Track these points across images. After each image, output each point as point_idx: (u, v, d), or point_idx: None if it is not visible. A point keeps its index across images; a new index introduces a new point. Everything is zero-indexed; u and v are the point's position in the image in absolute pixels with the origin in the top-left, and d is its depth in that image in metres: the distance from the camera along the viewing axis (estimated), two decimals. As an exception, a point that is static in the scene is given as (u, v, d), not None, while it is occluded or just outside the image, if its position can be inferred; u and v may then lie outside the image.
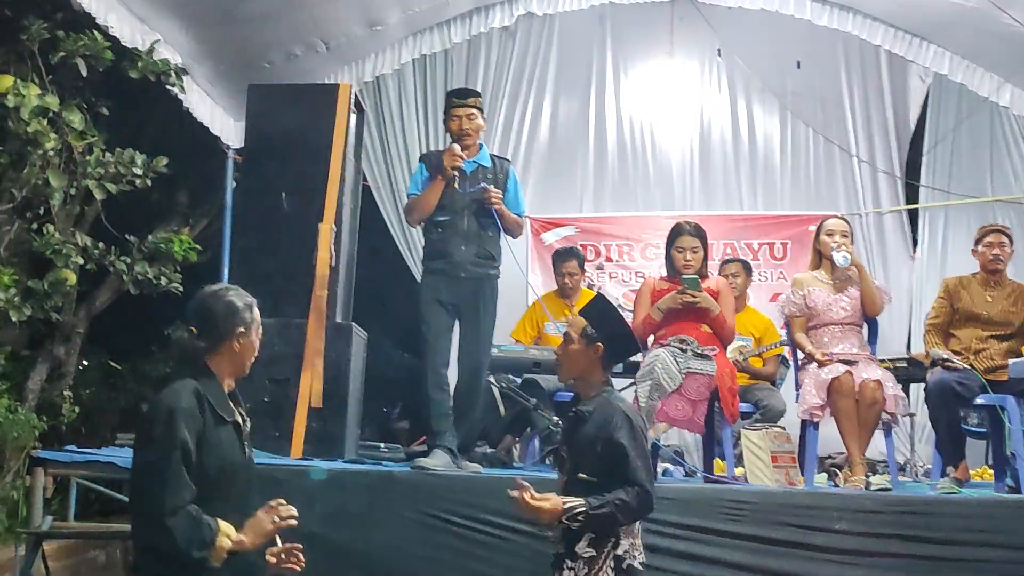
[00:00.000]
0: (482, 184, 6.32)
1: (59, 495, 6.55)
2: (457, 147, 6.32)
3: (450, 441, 6.16)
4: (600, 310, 4.26)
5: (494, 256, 6.43)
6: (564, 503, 3.87)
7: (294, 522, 3.61)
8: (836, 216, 6.76)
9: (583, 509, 3.83)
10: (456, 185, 6.27)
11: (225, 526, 3.48)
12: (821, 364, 6.30)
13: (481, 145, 6.53)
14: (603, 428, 3.96)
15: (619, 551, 3.91)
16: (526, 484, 3.94)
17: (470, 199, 6.30)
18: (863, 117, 10.29)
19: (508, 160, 6.81)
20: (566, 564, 3.92)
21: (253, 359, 3.78)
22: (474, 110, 6.44)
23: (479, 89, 10.03)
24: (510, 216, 6.41)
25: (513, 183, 6.54)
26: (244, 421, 3.75)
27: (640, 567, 3.96)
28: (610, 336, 4.13)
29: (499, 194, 6.31)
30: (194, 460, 3.46)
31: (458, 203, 6.30)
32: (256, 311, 3.77)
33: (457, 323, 6.37)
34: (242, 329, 3.68)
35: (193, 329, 3.65)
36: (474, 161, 6.40)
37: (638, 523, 4.01)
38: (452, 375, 6.38)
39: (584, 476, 3.98)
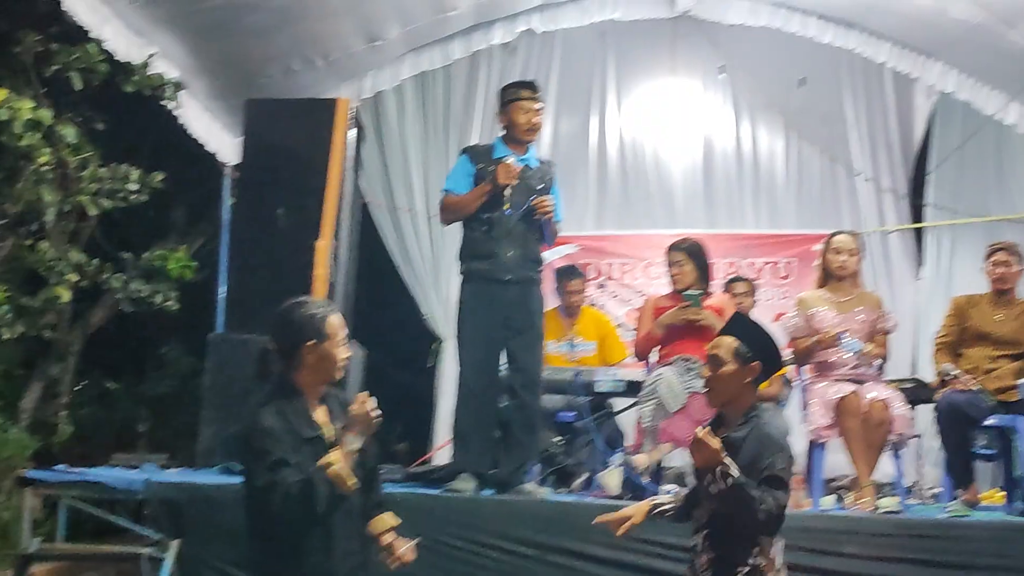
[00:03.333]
0: (533, 196, 6.02)
1: (51, 516, 6.43)
2: (513, 159, 6.04)
3: (478, 460, 5.98)
4: (745, 326, 4.02)
5: (539, 259, 6.20)
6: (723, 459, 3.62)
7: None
8: (844, 233, 6.61)
9: (733, 476, 3.58)
10: (509, 200, 5.99)
11: (330, 457, 3.57)
12: (825, 345, 6.19)
13: (530, 147, 6.26)
14: (759, 459, 3.69)
15: None
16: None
17: (517, 197, 6.00)
18: (867, 135, 10.19)
19: (553, 163, 6.57)
20: None
21: (342, 366, 3.83)
22: (543, 104, 6.21)
23: (478, 107, 10.00)
24: (554, 224, 6.17)
25: (556, 189, 6.30)
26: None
27: None
28: (764, 353, 3.89)
29: (552, 203, 6.05)
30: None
31: (505, 201, 6.01)
32: (333, 319, 3.82)
33: (506, 334, 6.06)
34: (314, 341, 3.74)
35: (273, 345, 3.78)
36: (524, 159, 6.14)
37: (782, 553, 3.79)
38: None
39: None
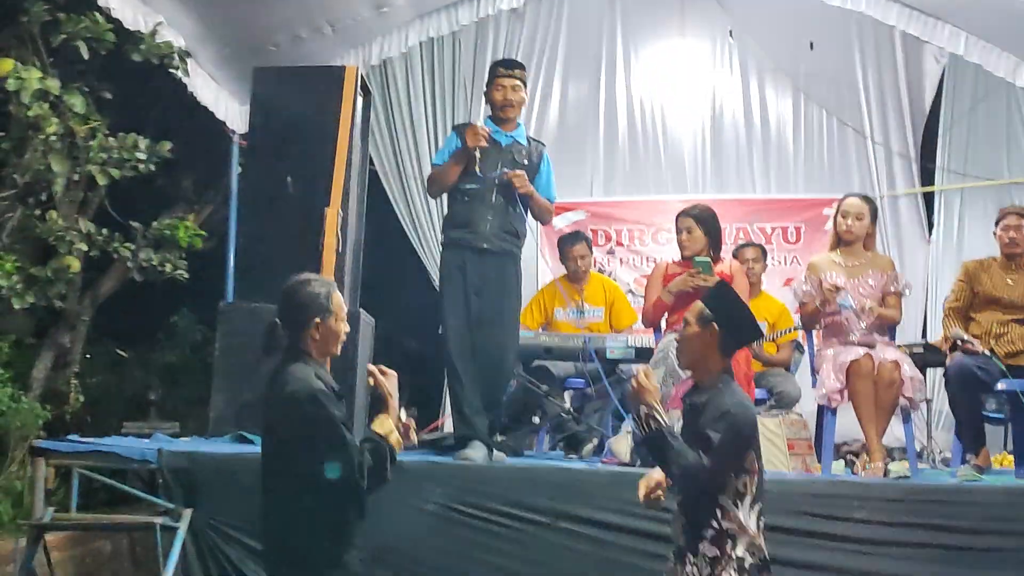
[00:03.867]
0: (504, 169, 6.18)
1: (63, 485, 6.46)
2: (482, 125, 6.23)
3: (482, 428, 6.07)
4: (719, 293, 4.17)
5: (519, 233, 6.32)
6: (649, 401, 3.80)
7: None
8: (855, 196, 6.58)
9: (658, 422, 3.74)
10: (479, 163, 6.13)
11: (384, 425, 3.81)
12: (829, 304, 6.19)
13: (519, 123, 6.42)
14: (715, 423, 3.77)
15: (738, 552, 3.77)
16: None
17: (500, 170, 6.17)
18: (877, 99, 10.13)
19: (543, 143, 6.68)
20: (688, 559, 3.81)
21: (341, 342, 4.03)
22: (519, 82, 6.33)
23: (486, 74, 9.96)
24: (540, 200, 6.33)
25: (547, 166, 6.45)
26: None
27: (762, 563, 3.81)
28: (727, 318, 3.97)
29: (523, 177, 6.17)
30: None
31: (488, 172, 6.16)
32: (336, 296, 4.00)
33: (479, 302, 6.20)
34: (319, 319, 3.91)
35: (278, 321, 3.92)
36: (511, 136, 6.30)
37: (755, 519, 3.83)
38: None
39: None
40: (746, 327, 4.12)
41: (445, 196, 6.47)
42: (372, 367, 3.95)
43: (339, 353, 4.07)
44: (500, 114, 6.32)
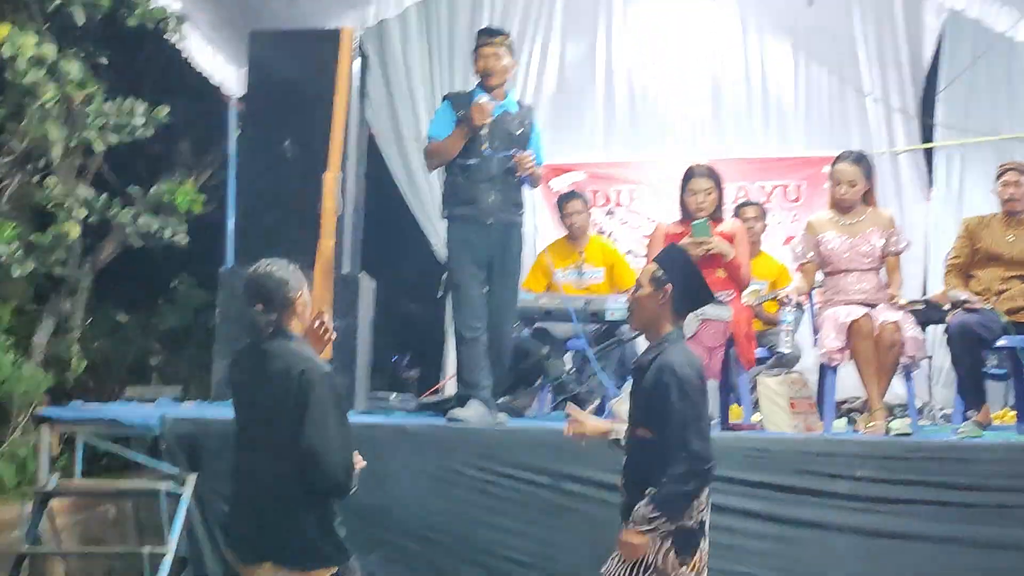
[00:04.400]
0: (514, 146, 6.21)
1: (67, 451, 6.48)
2: (486, 99, 6.19)
3: (485, 392, 6.10)
4: (671, 255, 4.17)
5: (520, 203, 6.38)
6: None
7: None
8: (845, 161, 6.44)
9: (656, 517, 3.75)
10: (483, 133, 6.16)
11: None
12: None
13: (507, 92, 6.42)
14: (655, 382, 3.84)
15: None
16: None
17: (498, 144, 6.20)
18: (876, 55, 10.06)
19: (531, 108, 6.72)
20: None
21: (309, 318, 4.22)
22: (501, 48, 6.31)
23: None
24: (536, 174, 6.35)
25: (535, 133, 6.46)
26: None
27: (700, 526, 3.86)
28: (680, 279, 3.99)
29: (532, 160, 6.22)
30: None
31: (483, 141, 6.18)
32: (298, 271, 4.21)
33: (487, 273, 6.28)
34: (298, 292, 4.11)
35: (260, 306, 4.07)
36: (501, 106, 6.29)
37: None
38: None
39: (640, 431, 3.93)
40: (699, 289, 4.13)
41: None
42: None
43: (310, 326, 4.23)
44: (485, 83, 6.32)
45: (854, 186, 6.35)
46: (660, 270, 4.01)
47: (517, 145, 6.25)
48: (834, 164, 6.47)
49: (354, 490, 3.94)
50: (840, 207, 6.40)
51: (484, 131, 6.16)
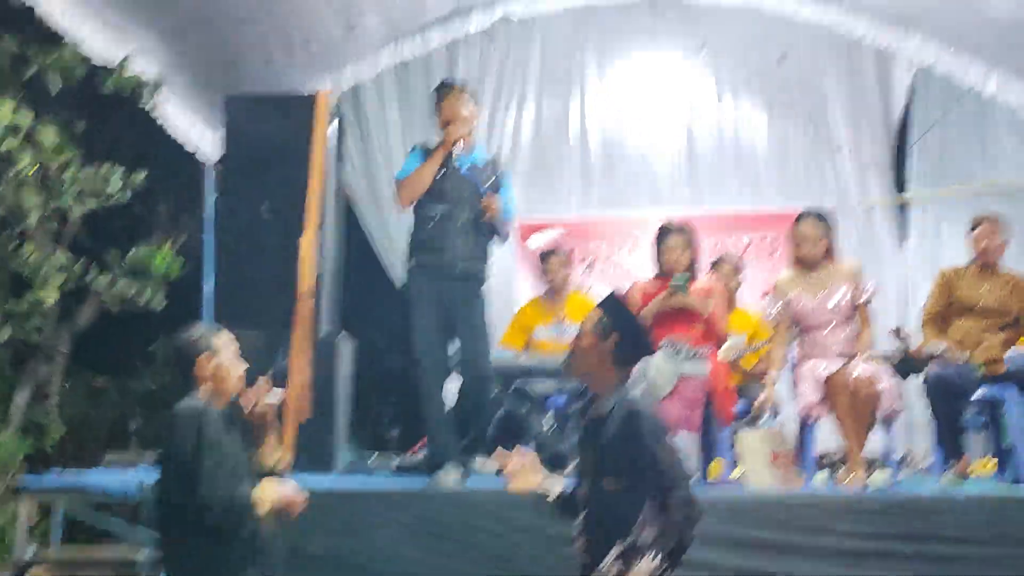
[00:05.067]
0: (481, 191, 6.18)
1: (45, 520, 6.43)
2: (461, 124, 6.20)
3: (456, 453, 6.05)
4: (615, 304, 4.07)
5: (486, 255, 6.29)
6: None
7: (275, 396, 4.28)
8: (808, 217, 6.48)
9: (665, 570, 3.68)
10: (450, 185, 6.14)
11: (262, 492, 4.00)
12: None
13: (478, 145, 6.42)
14: (623, 428, 3.76)
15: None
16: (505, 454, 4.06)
17: (466, 192, 6.14)
18: (848, 110, 10.17)
19: (500, 161, 6.71)
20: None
21: (235, 380, 4.20)
22: (463, 94, 6.31)
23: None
24: (504, 223, 6.29)
25: (506, 187, 6.41)
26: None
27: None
28: (624, 329, 3.93)
29: (499, 202, 6.17)
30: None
31: (455, 195, 6.14)
32: (222, 337, 4.19)
33: (452, 326, 6.18)
34: (206, 353, 4.11)
35: (174, 370, 4.16)
36: (470, 158, 6.27)
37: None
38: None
39: (608, 483, 3.80)
40: (642, 341, 4.07)
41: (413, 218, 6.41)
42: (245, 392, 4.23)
43: (238, 395, 4.23)
44: (449, 132, 6.24)
45: (820, 242, 6.39)
46: (605, 318, 3.95)
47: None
48: (796, 224, 6.48)
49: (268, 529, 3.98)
50: (805, 265, 6.44)
51: (452, 182, 6.14)
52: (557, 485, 4.07)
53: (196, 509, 3.83)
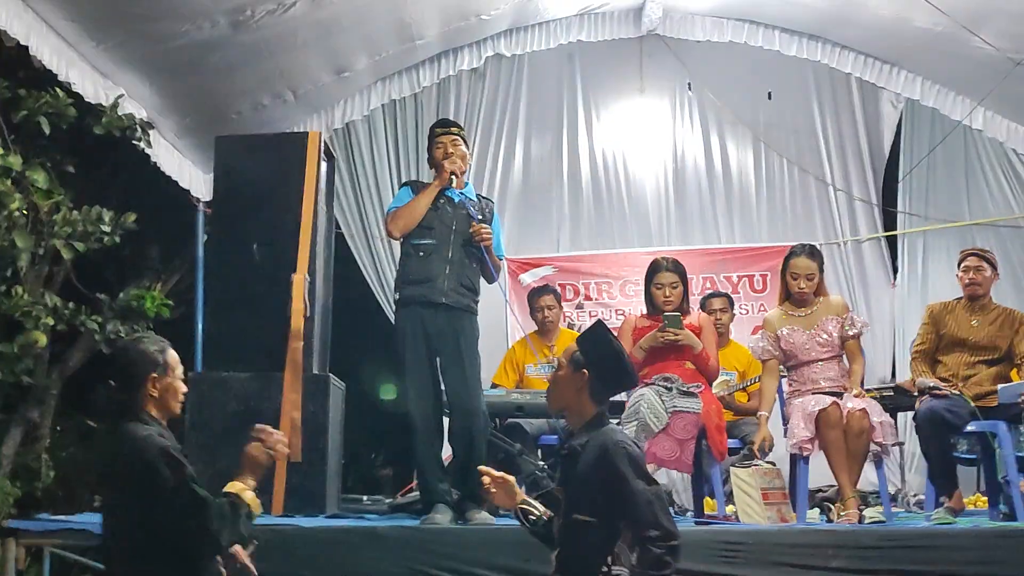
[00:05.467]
0: (474, 218, 6.17)
1: (35, 564, 6.38)
2: (457, 159, 6.22)
3: (448, 494, 6.01)
4: (594, 336, 4.05)
5: (476, 289, 6.26)
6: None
7: (286, 449, 4.05)
8: (801, 255, 6.51)
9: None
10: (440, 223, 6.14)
11: (235, 486, 3.84)
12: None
13: (467, 182, 6.42)
14: (599, 461, 3.75)
15: None
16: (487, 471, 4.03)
17: (456, 226, 6.13)
18: (837, 145, 10.26)
19: (491, 200, 6.71)
20: None
21: (180, 400, 4.04)
22: (457, 137, 6.33)
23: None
24: (494, 258, 6.28)
25: (496, 223, 6.41)
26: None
27: None
28: (599, 363, 3.91)
29: (490, 232, 6.16)
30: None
31: (444, 228, 6.13)
32: (170, 353, 3.99)
33: (439, 360, 6.14)
34: (155, 374, 3.91)
35: (112, 382, 3.91)
36: (462, 193, 6.27)
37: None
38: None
39: (581, 517, 3.78)
40: (619, 373, 4.03)
41: (399, 252, 6.43)
42: (262, 427, 4.02)
43: (179, 412, 4.10)
44: (442, 171, 6.25)
45: (812, 279, 6.42)
46: (579, 353, 3.95)
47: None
48: (789, 259, 6.52)
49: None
50: (796, 300, 6.46)
51: (443, 216, 6.15)
52: (538, 507, 4.06)
53: (195, 533, 3.73)
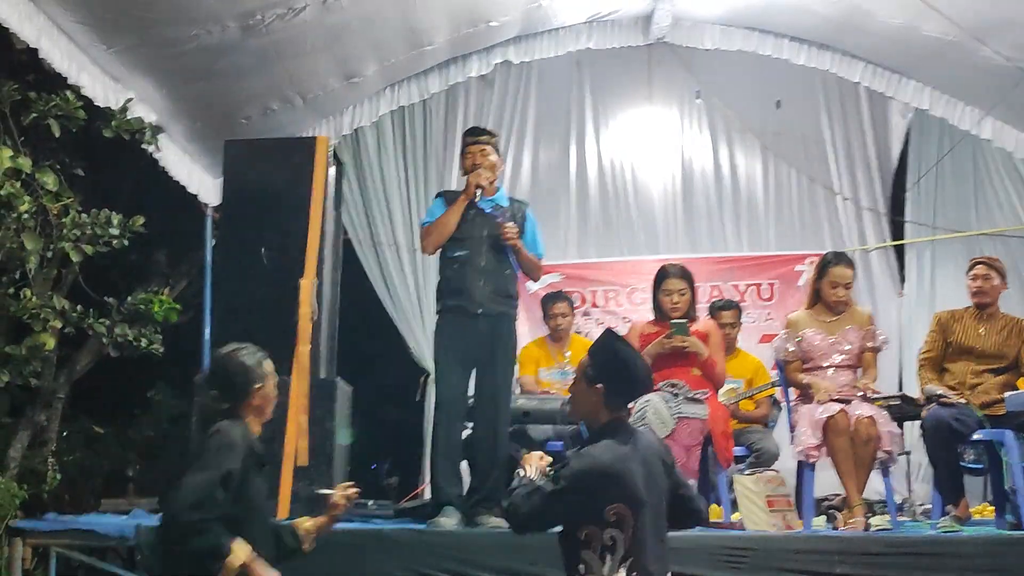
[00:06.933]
0: (499, 218, 6.22)
1: (41, 564, 6.39)
2: (484, 171, 6.26)
3: (459, 499, 6.06)
4: (604, 348, 4.08)
5: (512, 295, 6.35)
6: None
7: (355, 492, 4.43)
8: (842, 262, 6.55)
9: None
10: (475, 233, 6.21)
11: (239, 546, 3.81)
12: (818, 402, 6.20)
13: (499, 187, 6.49)
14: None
15: None
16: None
17: (487, 234, 6.20)
18: (845, 154, 10.26)
19: (525, 202, 6.75)
20: None
21: (274, 404, 4.24)
22: (487, 146, 6.37)
23: (457, 140, 10.01)
24: (527, 255, 6.34)
25: (531, 224, 6.48)
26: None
27: None
28: (611, 375, 3.96)
29: (515, 229, 6.22)
30: (232, 492, 3.85)
31: (476, 237, 6.21)
32: (268, 362, 4.19)
33: (475, 370, 6.26)
34: (259, 385, 4.08)
35: (215, 392, 4.06)
36: (491, 200, 6.33)
37: (617, 568, 3.79)
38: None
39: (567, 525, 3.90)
40: (632, 383, 4.06)
41: (438, 263, 6.51)
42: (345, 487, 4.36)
43: (271, 418, 4.25)
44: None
45: (849, 288, 6.47)
46: (592, 363, 4.01)
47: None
48: (828, 266, 6.53)
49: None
50: (830, 306, 6.46)
51: (475, 225, 6.22)
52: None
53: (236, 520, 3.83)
